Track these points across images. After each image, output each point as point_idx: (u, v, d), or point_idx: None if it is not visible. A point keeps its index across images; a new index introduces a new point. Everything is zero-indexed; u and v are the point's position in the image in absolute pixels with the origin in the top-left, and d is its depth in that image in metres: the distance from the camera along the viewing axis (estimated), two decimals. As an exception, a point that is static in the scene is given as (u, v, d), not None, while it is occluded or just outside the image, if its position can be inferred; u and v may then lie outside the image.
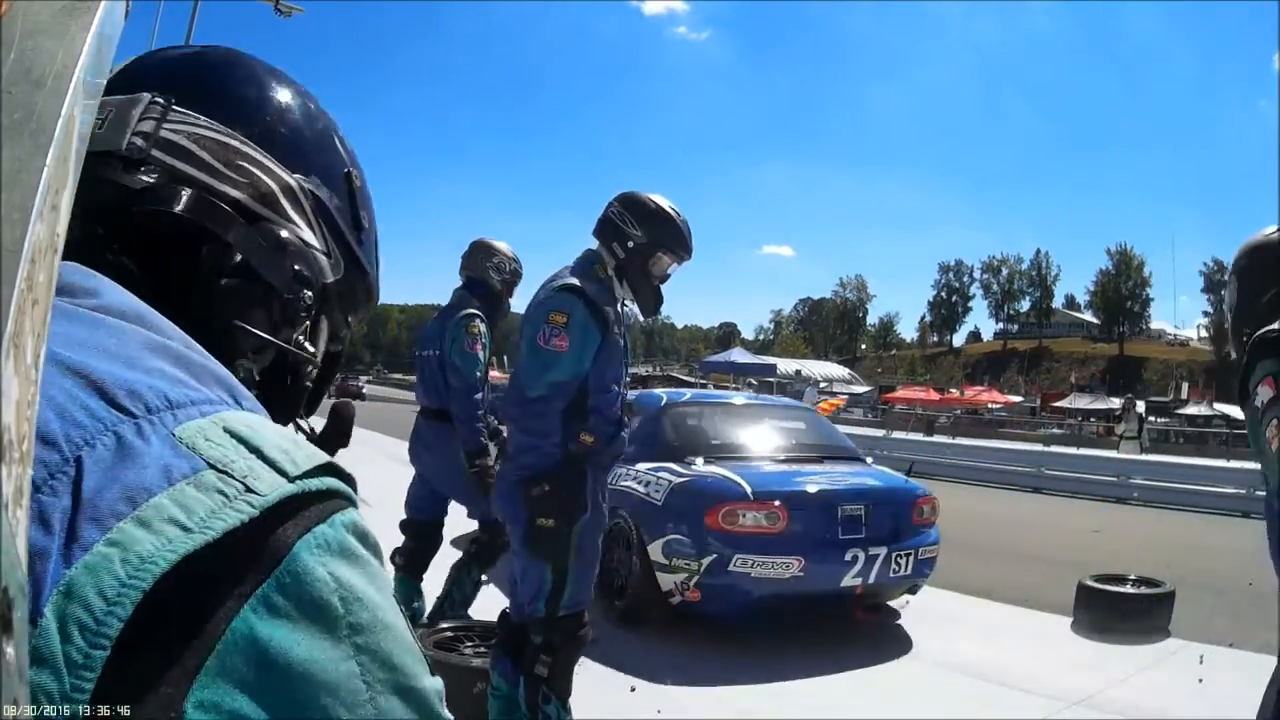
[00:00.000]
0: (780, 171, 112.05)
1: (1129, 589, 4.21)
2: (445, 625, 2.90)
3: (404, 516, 3.29)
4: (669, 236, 2.21)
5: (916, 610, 4.35)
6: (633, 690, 3.00)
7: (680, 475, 3.83)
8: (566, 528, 2.04)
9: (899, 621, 4.16)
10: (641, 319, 2.39)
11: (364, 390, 31.76)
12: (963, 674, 3.39)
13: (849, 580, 3.63)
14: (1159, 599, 4.13)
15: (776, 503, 3.58)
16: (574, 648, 2.12)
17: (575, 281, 2.11)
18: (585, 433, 2.10)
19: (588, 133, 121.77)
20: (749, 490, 3.62)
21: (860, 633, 3.92)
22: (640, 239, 2.18)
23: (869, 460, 4.98)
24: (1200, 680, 3.39)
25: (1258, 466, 1.45)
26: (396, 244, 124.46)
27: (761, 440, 4.48)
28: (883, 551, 3.66)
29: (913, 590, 3.99)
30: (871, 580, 3.68)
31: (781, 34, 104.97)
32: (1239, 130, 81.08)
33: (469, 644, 2.77)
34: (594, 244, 2.26)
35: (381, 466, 9.93)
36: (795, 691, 3.14)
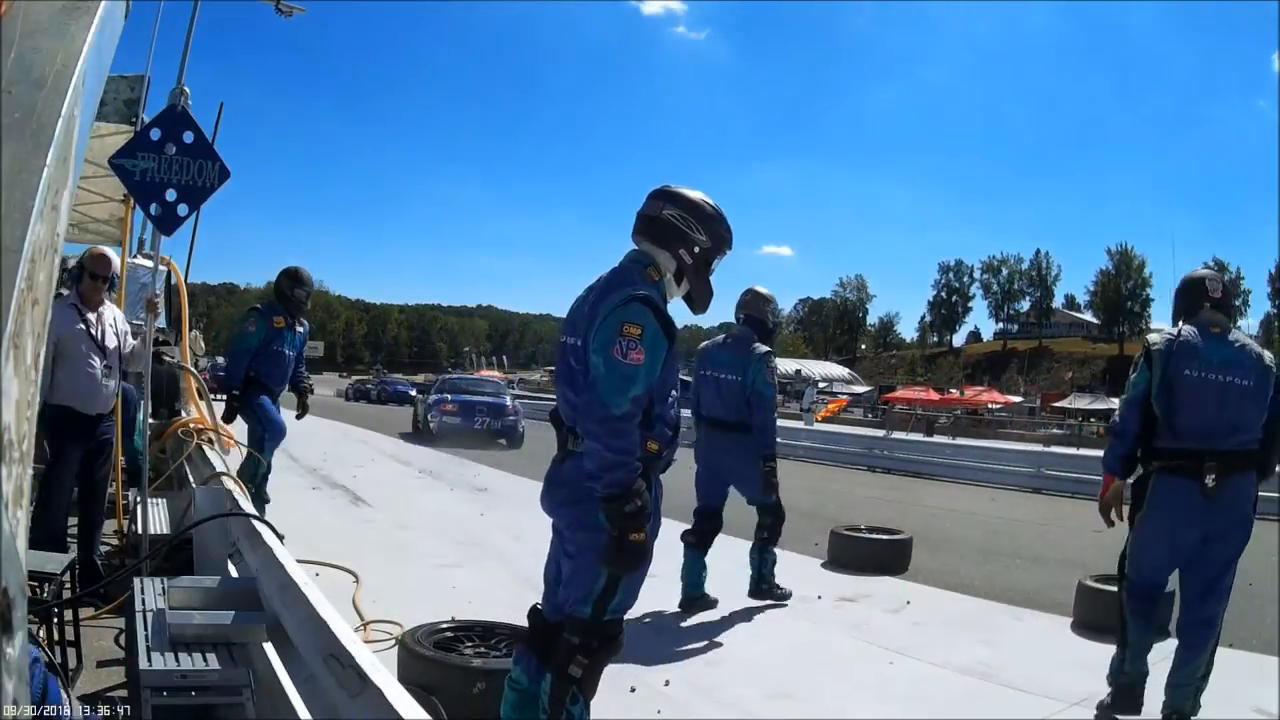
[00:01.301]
0: (780, 171, 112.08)
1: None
2: (445, 625, 2.90)
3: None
4: (725, 235, 2.25)
5: (916, 610, 4.35)
6: (632, 690, 3.00)
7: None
8: (651, 540, 2.05)
9: (899, 621, 4.16)
10: (694, 313, 2.37)
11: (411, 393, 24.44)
12: (963, 674, 3.39)
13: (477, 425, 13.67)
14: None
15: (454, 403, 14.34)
16: (610, 652, 2.11)
17: (644, 291, 2.07)
18: (651, 440, 2.10)
19: (586, 132, 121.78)
20: (450, 398, 14.69)
21: (860, 633, 3.92)
22: (705, 242, 2.19)
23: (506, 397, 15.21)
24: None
25: None
26: (396, 244, 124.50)
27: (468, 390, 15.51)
28: (488, 420, 13.96)
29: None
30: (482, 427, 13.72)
31: (780, 34, 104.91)
32: (1238, 130, 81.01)
33: (469, 644, 2.77)
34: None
35: (382, 466, 9.94)
36: (795, 692, 3.14)
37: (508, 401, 14.72)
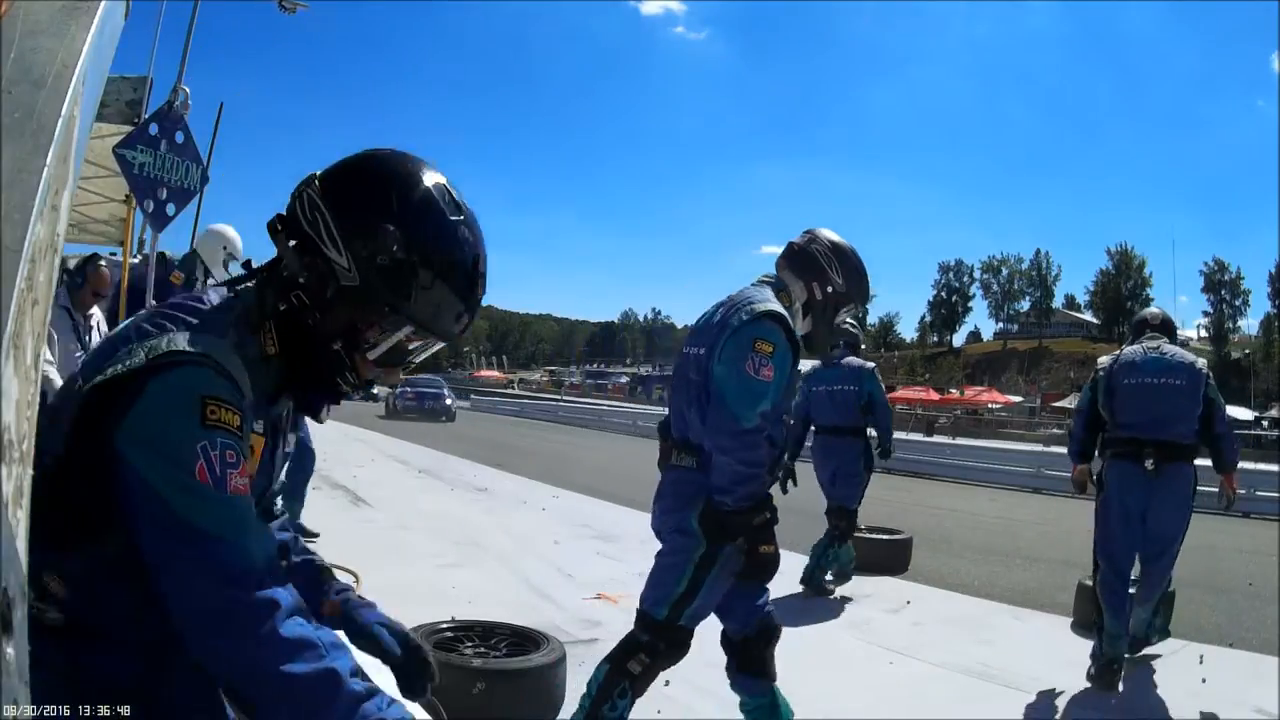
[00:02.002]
0: (779, 171, 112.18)
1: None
2: (445, 625, 2.90)
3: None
4: (862, 294, 2.29)
5: (916, 610, 4.35)
6: (633, 690, 3.00)
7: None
8: (776, 550, 2.05)
9: (899, 621, 4.16)
10: (808, 353, 2.39)
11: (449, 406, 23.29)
12: (963, 674, 3.39)
13: (425, 406, 21.62)
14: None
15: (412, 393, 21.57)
16: (672, 659, 2.13)
17: (778, 308, 2.10)
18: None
19: (586, 132, 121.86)
20: (410, 390, 21.44)
21: (860, 633, 3.92)
22: (841, 286, 2.23)
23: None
24: (1203, 680, 3.39)
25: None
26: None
27: (421, 385, 22.47)
28: (432, 403, 22.04)
29: None
30: (428, 407, 21.58)
31: (780, 34, 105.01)
32: (1238, 130, 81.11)
33: (469, 644, 2.77)
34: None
35: (382, 466, 9.94)
36: (795, 692, 3.13)
37: (445, 392, 22.79)
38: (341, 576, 1.21)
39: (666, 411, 2.30)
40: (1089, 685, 3.27)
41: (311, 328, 1.00)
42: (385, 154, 1.04)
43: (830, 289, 2.22)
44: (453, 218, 1.00)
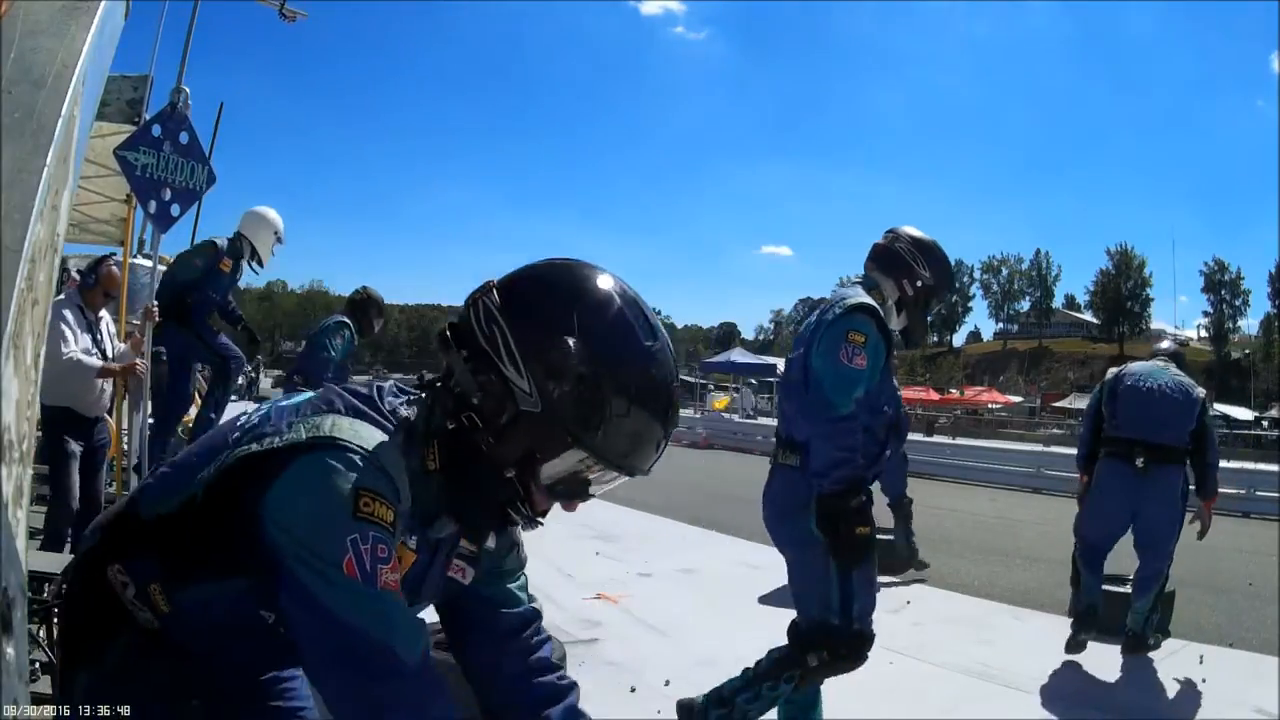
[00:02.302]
0: (779, 171, 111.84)
1: (1129, 589, 4.21)
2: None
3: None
4: (948, 284, 2.43)
5: (916, 610, 4.35)
6: (633, 690, 3.00)
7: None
8: (875, 535, 2.15)
9: (899, 621, 4.16)
10: (907, 348, 2.54)
11: None
12: (963, 674, 3.39)
13: None
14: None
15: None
16: (851, 666, 2.18)
17: (869, 301, 2.21)
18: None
19: (586, 132, 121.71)
20: None
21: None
22: (929, 279, 2.35)
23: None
24: (1203, 680, 3.39)
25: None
26: (395, 243, 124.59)
27: None
28: None
29: None
30: None
31: (780, 34, 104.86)
32: (1238, 130, 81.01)
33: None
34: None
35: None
36: (795, 691, 3.13)
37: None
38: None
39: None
40: (1089, 685, 3.27)
41: (483, 452, 0.91)
42: (571, 265, 0.94)
43: (920, 283, 2.34)
44: (647, 342, 0.90)
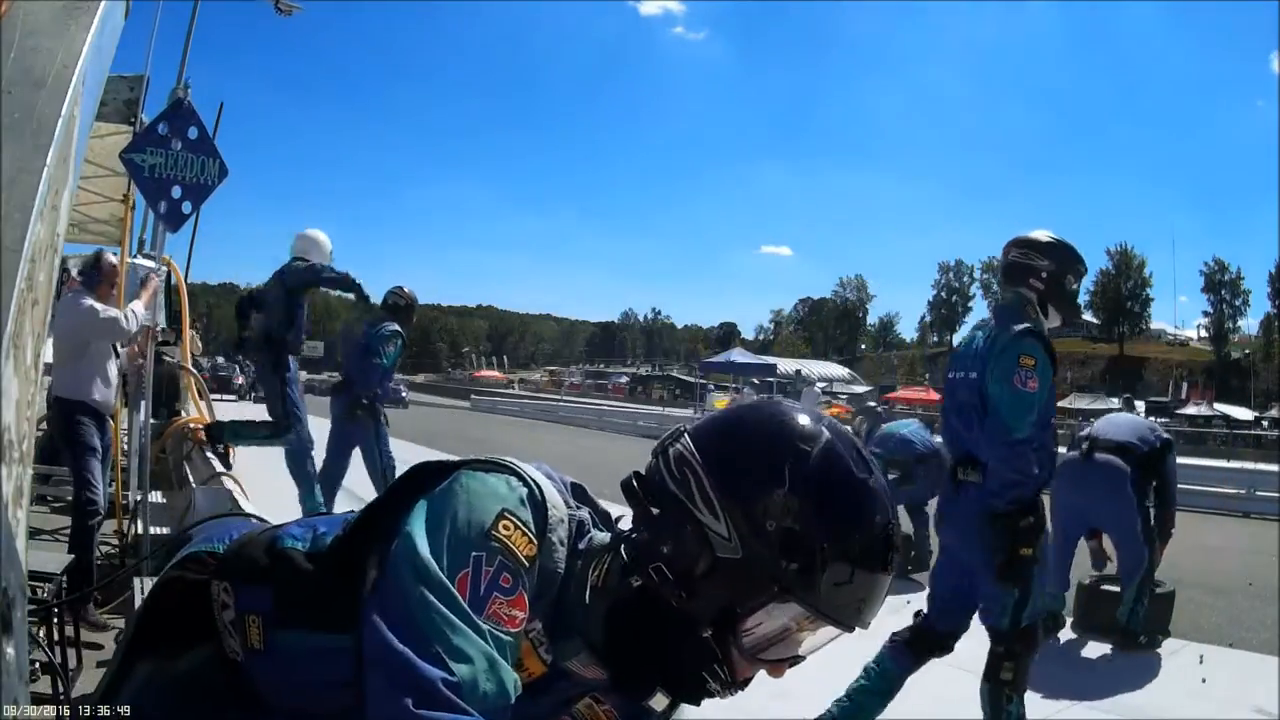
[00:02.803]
0: (779, 171, 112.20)
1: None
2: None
3: None
4: (1070, 257, 2.51)
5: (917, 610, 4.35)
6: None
7: None
8: (1041, 554, 2.32)
9: (899, 622, 4.15)
10: (1069, 329, 2.80)
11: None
12: (963, 674, 3.39)
13: None
14: (1159, 599, 4.13)
15: None
16: (1031, 652, 2.38)
17: (1032, 325, 2.39)
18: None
19: (585, 132, 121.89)
20: None
21: (861, 633, 3.91)
22: (1049, 266, 2.48)
23: None
24: (1203, 680, 3.39)
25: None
26: (395, 243, 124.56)
27: None
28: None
29: None
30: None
31: (779, 34, 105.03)
32: (1238, 130, 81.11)
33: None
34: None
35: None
36: (795, 692, 3.13)
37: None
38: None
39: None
40: (1089, 684, 3.28)
41: (673, 609, 0.79)
42: (775, 407, 0.85)
43: (1044, 274, 2.47)
44: (860, 475, 0.79)
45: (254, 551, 0.91)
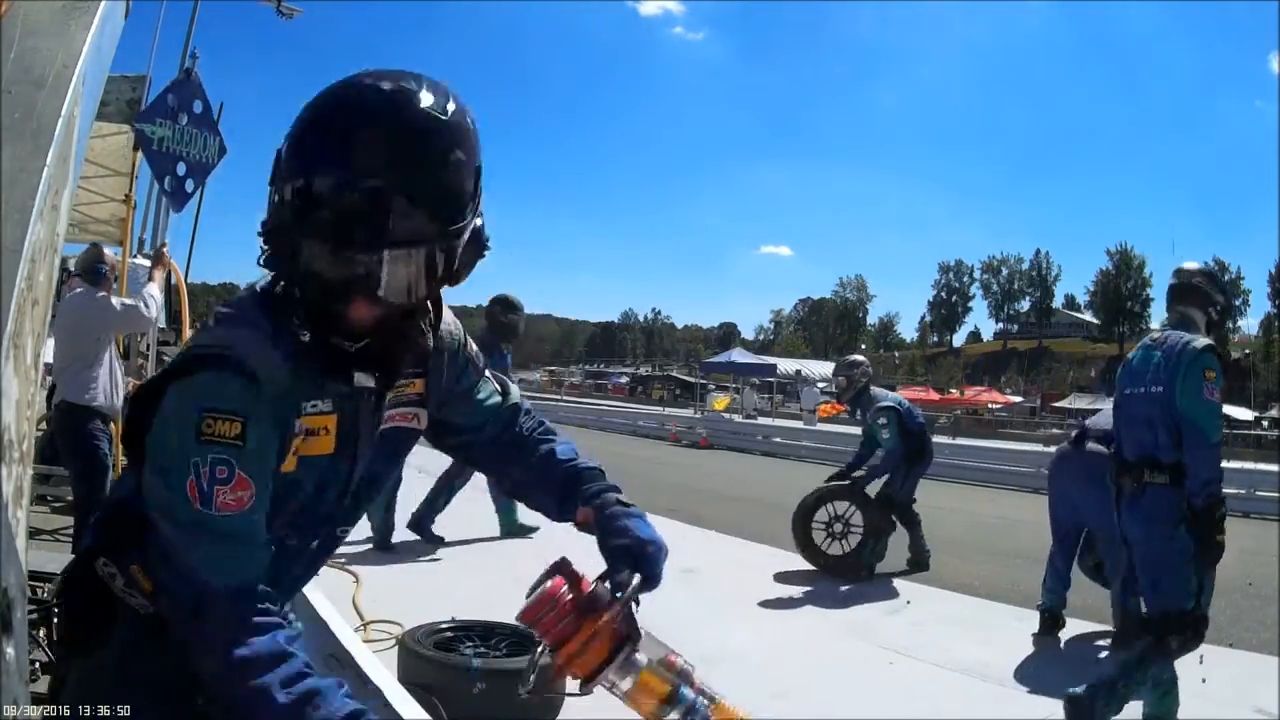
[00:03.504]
0: (778, 171, 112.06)
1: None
2: (445, 625, 2.90)
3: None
4: (1232, 300, 3.12)
5: (916, 610, 4.35)
6: (633, 690, 2.99)
7: None
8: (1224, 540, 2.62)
9: (899, 621, 4.16)
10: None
11: None
12: (963, 674, 3.39)
13: None
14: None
15: None
16: (1197, 643, 2.67)
17: (1210, 340, 2.70)
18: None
19: (584, 132, 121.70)
20: None
21: (860, 633, 3.92)
22: (1223, 303, 2.88)
23: None
24: (1203, 680, 3.39)
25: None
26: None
27: None
28: None
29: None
30: None
31: (779, 34, 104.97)
32: (1238, 130, 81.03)
33: (469, 644, 2.77)
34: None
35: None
36: (795, 692, 3.13)
37: None
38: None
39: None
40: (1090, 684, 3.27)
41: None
42: None
43: (1218, 307, 2.84)
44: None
45: (109, 518, 1.01)
